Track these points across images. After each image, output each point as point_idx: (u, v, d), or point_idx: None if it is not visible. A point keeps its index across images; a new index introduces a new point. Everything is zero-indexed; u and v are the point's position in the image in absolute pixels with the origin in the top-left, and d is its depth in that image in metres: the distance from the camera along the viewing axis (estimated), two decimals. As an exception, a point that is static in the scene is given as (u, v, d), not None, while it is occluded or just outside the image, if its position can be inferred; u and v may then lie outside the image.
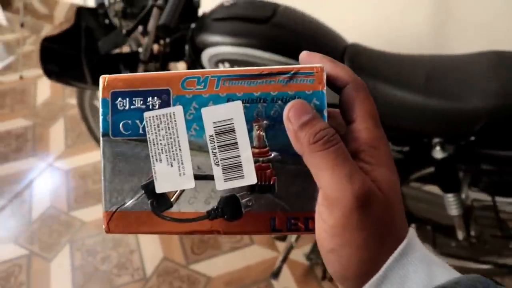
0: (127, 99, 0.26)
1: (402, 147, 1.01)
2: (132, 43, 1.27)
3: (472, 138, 0.91)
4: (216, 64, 1.03)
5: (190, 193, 0.25)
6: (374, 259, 0.23)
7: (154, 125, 0.26)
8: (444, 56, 0.99)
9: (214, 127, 0.25)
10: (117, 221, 0.25)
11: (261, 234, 0.26)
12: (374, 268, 0.23)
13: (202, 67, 1.09)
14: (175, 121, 0.25)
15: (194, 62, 1.14)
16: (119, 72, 1.19)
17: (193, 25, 1.10)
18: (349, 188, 0.22)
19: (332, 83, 0.26)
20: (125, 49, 1.24)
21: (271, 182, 0.25)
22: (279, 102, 0.25)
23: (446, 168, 0.98)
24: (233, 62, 1.01)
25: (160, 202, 0.25)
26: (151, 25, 1.09)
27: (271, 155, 0.25)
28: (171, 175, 0.25)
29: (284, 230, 0.25)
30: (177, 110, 0.25)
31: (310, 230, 0.25)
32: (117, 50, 1.22)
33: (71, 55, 1.24)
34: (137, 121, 0.26)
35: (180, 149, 0.25)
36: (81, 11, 1.24)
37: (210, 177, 0.25)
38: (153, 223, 0.25)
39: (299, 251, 1.40)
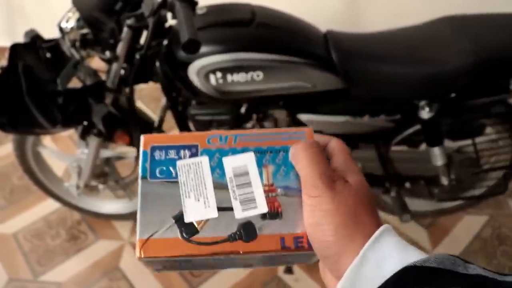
0: (164, 151, 0.34)
1: (394, 116, 1.10)
2: (81, 73, 1.14)
3: (453, 94, 1.04)
4: (206, 76, 0.98)
5: (214, 221, 0.32)
6: (350, 235, 0.27)
7: (184, 170, 0.33)
8: (407, 28, 1.09)
9: (233, 171, 0.33)
10: (150, 247, 0.31)
11: (274, 252, 0.31)
12: (350, 247, 0.27)
13: (184, 83, 1.03)
14: (202, 167, 0.34)
15: (171, 80, 1.07)
16: (89, 106, 1.07)
17: (165, 41, 1.04)
18: (317, 168, 0.30)
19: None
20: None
21: (279, 210, 0.32)
22: (282, 152, 0.34)
23: (432, 126, 1.09)
24: (225, 71, 0.97)
25: (188, 229, 0.31)
26: (120, 48, 0.99)
27: (277, 190, 0.33)
28: (198, 208, 0.32)
29: (292, 248, 0.31)
30: (204, 160, 0.34)
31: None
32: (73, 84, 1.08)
33: (14, 101, 1.06)
34: (171, 167, 0.34)
35: (206, 188, 0.33)
36: (16, 48, 1.06)
37: (230, 209, 0.32)
38: (181, 247, 0.31)
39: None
